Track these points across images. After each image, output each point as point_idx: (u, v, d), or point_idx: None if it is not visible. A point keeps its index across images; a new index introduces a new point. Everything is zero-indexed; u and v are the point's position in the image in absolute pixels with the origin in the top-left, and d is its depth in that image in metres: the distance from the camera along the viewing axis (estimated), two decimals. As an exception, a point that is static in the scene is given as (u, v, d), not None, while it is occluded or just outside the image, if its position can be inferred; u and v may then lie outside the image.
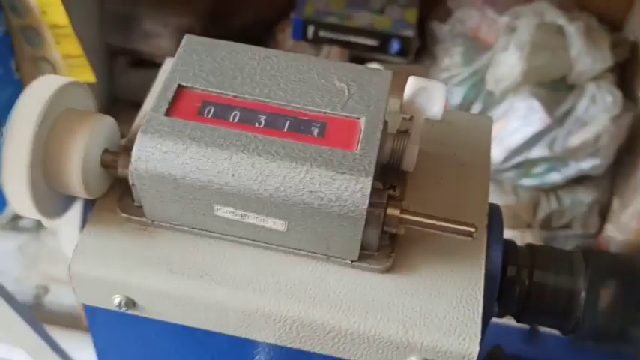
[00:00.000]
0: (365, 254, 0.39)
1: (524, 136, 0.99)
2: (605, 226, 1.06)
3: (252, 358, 0.43)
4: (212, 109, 0.38)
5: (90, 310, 0.42)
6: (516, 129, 1.00)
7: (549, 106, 0.99)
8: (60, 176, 0.39)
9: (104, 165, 0.40)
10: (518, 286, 0.42)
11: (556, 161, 1.00)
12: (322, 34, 1.12)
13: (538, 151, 0.99)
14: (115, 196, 0.41)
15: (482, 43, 1.06)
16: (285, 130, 0.37)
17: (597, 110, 0.97)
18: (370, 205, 0.36)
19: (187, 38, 0.41)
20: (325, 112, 0.38)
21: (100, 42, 1.16)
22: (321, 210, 0.35)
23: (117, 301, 0.40)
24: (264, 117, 0.37)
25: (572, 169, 1.00)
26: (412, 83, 0.38)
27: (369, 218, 0.36)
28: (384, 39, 1.10)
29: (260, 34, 1.20)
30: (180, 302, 0.39)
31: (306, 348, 0.39)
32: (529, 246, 0.43)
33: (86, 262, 0.40)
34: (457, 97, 1.05)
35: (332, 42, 1.12)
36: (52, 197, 0.40)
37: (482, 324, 0.39)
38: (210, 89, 0.38)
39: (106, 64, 1.18)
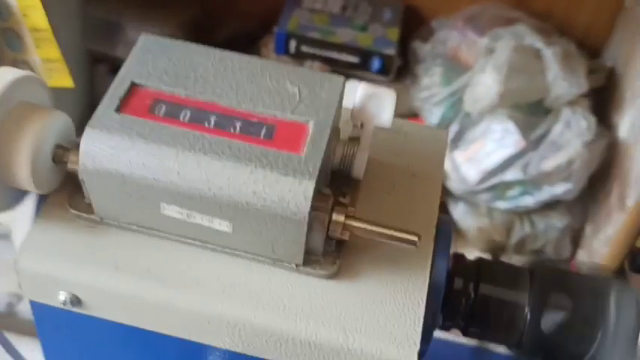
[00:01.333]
0: (310, 259, 0.39)
1: (499, 159, 1.00)
2: (577, 251, 1.07)
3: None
4: (163, 108, 0.38)
5: (36, 308, 0.42)
6: (492, 151, 1.00)
7: (525, 129, 1.00)
8: (9, 169, 0.39)
9: (55, 160, 0.40)
10: (464, 298, 0.42)
11: (530, 184, 1.00)
12: (305, 49, 1.12)
13: (512, 174, 0.99)
14: (66, 192, 0.41)
15: (462, 63, 1.07)
16: (234, 130, 0.37)
17: (572, 135, 0.97)
18: (314, 209, 0.36)
19: (144, 37, 0.41)
20: (275, 115, 0.38)
21: (82, 48, 1.16)
22: (265, 211, 0.36)
23: (62, 298, 0.40)
24: (214, 117, 0.38)
25: (546, 192, 1.00)
26: (362, 90, 0.38)
27: (313, 222, 0.36)
28: (366, 56, 1.10)
29: (244, 48, 1.21)
30: (124, 301, 0.39)
31: (249, 353, 0.39)
32: (478, 260, 0.44)
33: (33, 257, 0.39)
34: (435, 116, 1.06)
35: (314, 57, 1.12)
36: (3, 190, 0.40)
37: (425, 334, 0.39)
38: (162, 88, 0.39)
39: (87, 70, 1.18)
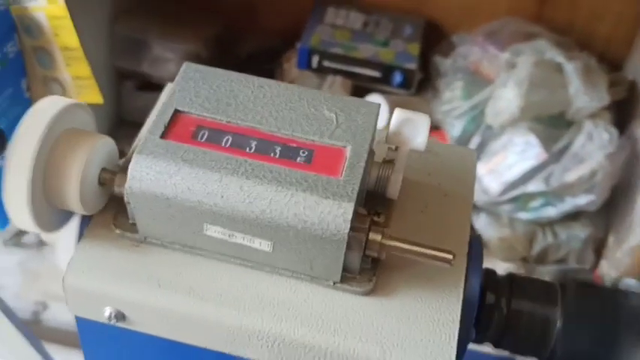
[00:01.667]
0: (347, 277, 0.40)
1: (521, 170, 1.01)
2: (600, 262, 1.07)
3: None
4: (206, 134, 0.40)
5: (81, 323, 0.44)
6: (514, 163, 1.01)
7: (547, 142, 1.01)
8: (58, 192, 0.41)
9: (101, 183, 0.42)
10: (496, 313, 0.43)
11: (552, 196, 1.01)
12: (327, 63, 1.14)
13: (534, 186, 1.00)
14: (110, 213, 0.43)
15: (483, 78, 1.08)
16: (274, 155, 0.39)
17: (593, 147, 0.98)
18: (352, 229, 0.38)
19: (186, 66, 0.43)
20: (313, 140, 0.39)
21: (110, 65, 1.19)
22: (305, 232, 0.37)
23: (107, 313, 0.41)
24: (255, 142, 0.39)
25: (568, 204, 1.01)
26: (398, 115, 0.40)
27: (351, 242, 0.38)
28: (387, 70, 1.12)
29: (267, 63, 1.23)
30: (167, 317, 0.41)
31: (288, 367, 0.41)
32: (509, 275, 0.45)
33: (79, 275, 0.41)
34: (457, 129, 1.07)
35: (336, 72, 1.14)
36: (51, 212, 0.42)
37: (459, 349, 0.40)
38: (205, 114, 0.40)
39: (114, 86, 1.21)
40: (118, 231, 0.42)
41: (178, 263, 0.41)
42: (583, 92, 0.98)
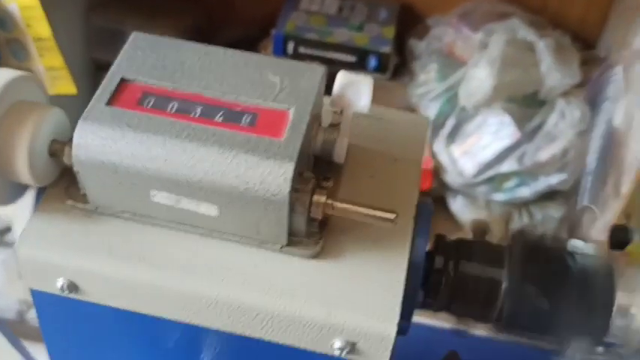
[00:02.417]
0: (294, 240, 0.41)
1: (495, 151, 1.01)
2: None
3: (196, 344, 0.45)
4: (152, 100, 0.40)
5: (37, 296, 0.44)
6: (488, 143, 1.02)
7: (521, 121, 1.01)
8: (8, 164, 0.41)
9: (52, 154, 0.42)
10: (444, 276, 0.44)
11: (526, 175, 1.02)
12: (302, 50, 1.15)
13: (508, 165, 1.01)
14: (63, 185, 0.43)
15: (457, 59, 1.08)
16: (219, 119, 0.39)
17: (566, 125, 0.99)
18: (295, 190, 0.38)
19: (134, 35, 0.43)
20: (257, 104, 0.40)
21: (86, 57, 1.19)
22: (248, 194, 0.38)
23: (60, 284, 0.42)
24: (200, 107, 0.40)
25: (542, 183, 1.01)
26: (340, 78, 0.40)
27: (294, 203, 0.38)
28: (362, 55, 1.12)
29: (246, 51, 1.23)
30: (118, 285, 0.41)
31: (238, 331, 0.41)
32: (458, 240, 0.45)
33: (31, 246, 0.42)
34: (432, 112, 1.07)
35: (312, 58, 1.14)
36: (3, 184, 0.42)
37: (406, 310, 0.41)
38: (151, 82, 0.41)
39: (91, 77, 1.21)
40: (69, 202, 0.43)
41: (129, 232, 0.42)
42: (555, 69, 0.99)
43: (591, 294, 0.43)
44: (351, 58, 1.13)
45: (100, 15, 1.19)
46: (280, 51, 1.15)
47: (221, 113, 0.39)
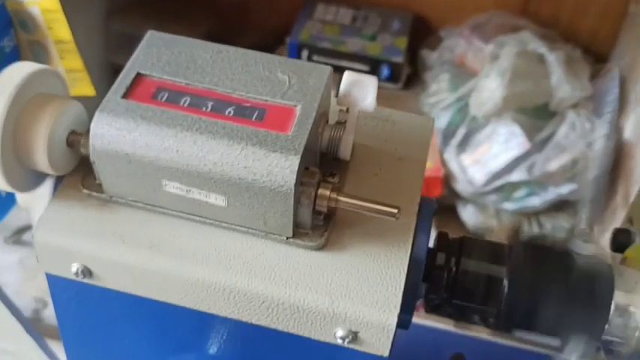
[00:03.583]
0: (300, 232, 0.42)
1: (504, 160, 1.03)
2: (586, 251, 1.08)
3: (204, 331, 0.46)
4: (165, 95, 0.42)
5: (52, 280, 0.46)
6: (498, 153, 1.03)
7: (530, 132, 1.02)
8: (28, 152, 0.43)
9: (69, 144, 0.44)
10: (445, 272, 0.45)
11: (535, 185, 1.03)
12: (316, 58, 1.17)
13: (518, 175, 1.02)
14: (80, 174, 0.45)
15: (468, 70, 1.10)
16: (229, 114, 0.41)
17: (576, 136, 1.00)
18: (301, 183, 0.40)
19: (150, 34, 0.45)
20: (266, 100, 0.41)
21: (105, 61, 1.22)
22: (255, 185, 0.39)
23: (74, 269, 0.43)
24: (211, 103, 0.41)
25: (551, 193, 1.02)
26: (347, 77, 0.42)
27: (300, 196, 0.40)
28: (375, 64, 1.14)
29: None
30: (129, 271, 0.43)
31: (244, 319, 0.43)
32: (461, 237, 0.47)
33: (48, 232, 0.43)
34: (443, 121, 1.09)
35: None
36: (22, 172, 0.44)
37: (408, 303, 0.42)
38: (165, 77, 0.43)
39: (110, 80, 1.23)
40: (85, 191, 0.44)
41: (141, 220, 0.43)
42: (565, 82, 1.00)
43: (590, 293, 0.44)
44: (363, 68, 1.15)
45: (119, 21, 1.22)
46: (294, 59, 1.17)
47: (231, 108, 0.41)
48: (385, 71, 1.14)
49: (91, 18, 1.17)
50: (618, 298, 0.44)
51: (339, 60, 1.16)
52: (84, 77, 1.03)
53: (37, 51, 1.03)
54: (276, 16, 1.28)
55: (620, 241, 0.51)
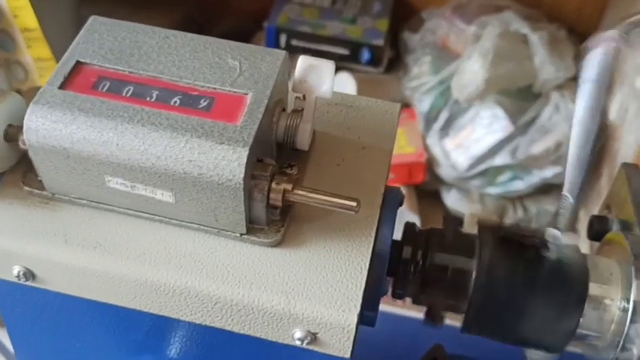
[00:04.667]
0: (255, 228, 0.39)
1: (488, 144, 1.00)
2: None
3: (157, 333, 0.44)
4: (107, 84, 0.39)
5: (-4, 284, 0.43)
6: (480, 137, 1.00)
7: (514, 115, 1.00)
8: (-37, 148, 0.40)
9: (7, 139, 0.41)
10: (413, 266, 0.42)
11: (519, 169, 1.00)
12: (295, 42, 1.13)
13: (501, 159, 0.99)
14: (21, 171, 0.42)
15: (450, 52, 1.07)
16: (174, 104, 0.38)
17: (560, 118, 0.97)
18: (252, 177, 0.37)
19: (92, 19, 0.42)
20: (215, 88, 0.39)
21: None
22: (202, 179, 0.36)
23: (16, 271, 0.41)
24: (156, 92, 0.39)
25: (535, 176, 1.00)
26: (301, 62, 0.39)
27: (252, 190, 0.37)
28: (355, 48, 1.11)
29: (238, 44, 1.22)
30: (74, 273, 0.40)
31: (197, 321, 0.40)
32: (429, 229, 0.44)
33: (-14, 233, 0.41)
34: (425, 105, 1.06)
35: (304, 50, 1.13)
36: (-40, 170, 0.42)
37: (371, 300, 0.40)
38: (107, 65, 0.40)
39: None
40: (26, 188, 0.42)
41: (85, 219, 0.41)
42: (549, 63, 0.97)
43: (564, 284, 0.41)
44: (344, 51, 1.12)
45: (91, 7, 1.18)
46: (273, 44, 1.14)
47: (177, 98, 0.38)
48: (366, 55, 1.11)
49: (61, 5, 1.13)
50: (593, 290, 0.41)
51: (318, 44, 1.12)
52: (53, 66, 0.99)
53: (4, 40, 1.00)
54: (254, 1, 1.24)
55: (597, 228, 0.49)
